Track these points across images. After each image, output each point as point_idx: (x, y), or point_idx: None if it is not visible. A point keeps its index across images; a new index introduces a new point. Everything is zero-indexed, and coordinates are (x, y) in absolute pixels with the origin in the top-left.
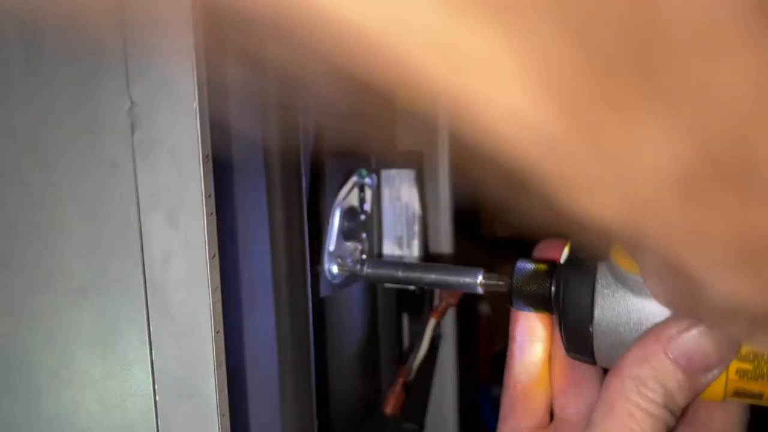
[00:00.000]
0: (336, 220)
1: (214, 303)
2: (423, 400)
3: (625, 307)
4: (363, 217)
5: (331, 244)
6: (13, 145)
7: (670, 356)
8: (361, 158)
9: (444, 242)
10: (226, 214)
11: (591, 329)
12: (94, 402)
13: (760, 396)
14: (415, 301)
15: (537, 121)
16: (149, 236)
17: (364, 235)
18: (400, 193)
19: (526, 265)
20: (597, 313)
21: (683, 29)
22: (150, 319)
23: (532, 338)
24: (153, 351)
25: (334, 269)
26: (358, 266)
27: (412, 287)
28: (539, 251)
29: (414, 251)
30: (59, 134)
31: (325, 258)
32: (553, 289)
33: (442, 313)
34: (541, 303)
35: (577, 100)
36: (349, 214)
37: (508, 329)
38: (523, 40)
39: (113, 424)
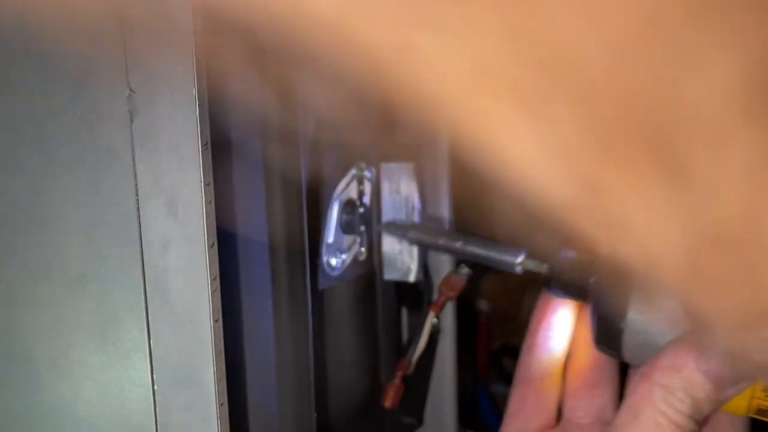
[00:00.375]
0: (335, 213)
1: (213, 292)
2: (422, 393)
3: (660, 308)
4: (362, 209)
5: (330, 236)
6: (11, 134)
7: (701, 367)
8: (360, 151)
9: None
10: (225, 204)
11: (623, 325)
12: (93, 391)
13: None
14: (414, 295)
15: (554, 186)
16: (148, 225)
17: (362, 228)
18: (400, 187)
19: (569, 254)
20: (631, 310)
21: (692, 114)
22: (149, 308)
23: (554, 336)
24: (152, 340)
25: (333, 261)
26: (401, 232)
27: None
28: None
29: (413, 245)
30: (58, 123)
31: (324, 250)
32: (591, 280)
33: (441, 307)
34: (577, 292)
35: (592, 174)
36: (348, 206)
37: (506, 326)
38: (545, 123)
39: (112, 414)
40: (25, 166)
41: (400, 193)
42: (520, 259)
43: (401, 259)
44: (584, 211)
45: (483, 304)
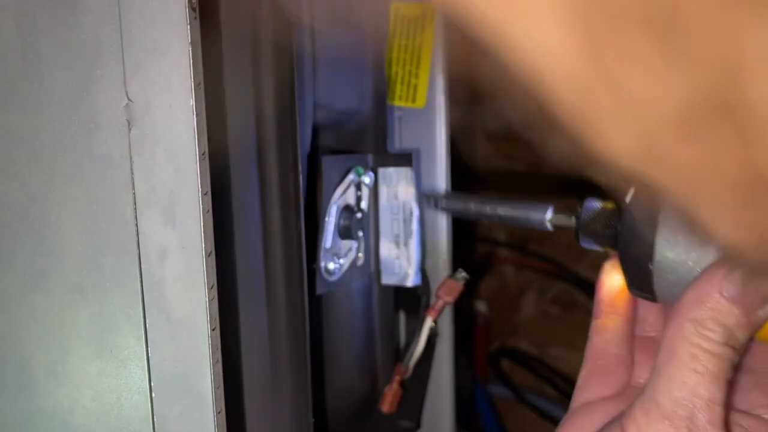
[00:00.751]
0: (332, 218)
1: (210, 300)
2: (419, 398)
3: (686, 246)
4: (359, 215)
5: (327, 241)
6: (9, 142)
7: (725, 294)
8: (359, 156)
9: (441, 241)
10: (222, 212)
11: (651, 267)
12: (90, 399)
13: None
14: (411, 300)
15: (561, 55)
16: (145, 233)
17: (360, 233)
18: (398, 192)
19: (593, 204)
20: (657, 251)
21: None
22: (146, 316)
23: (614, 316)
24: (149, 348)
25: (331, 266)
26: (434, 202)
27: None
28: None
29: (411, 250)
30: (55, 131)
31: (321, 255)
32: (618, 227)
33: (439, 312)
34: (606, 240)
35: (598, 41)
36: (346, 211)
37: (503, 328)
38: None
39: (109, 422)
40: (22, 174)
41: (397, 198)
42: (548, 215)
43: (398, 264)
44: (589, 85)
45: (481, 307)
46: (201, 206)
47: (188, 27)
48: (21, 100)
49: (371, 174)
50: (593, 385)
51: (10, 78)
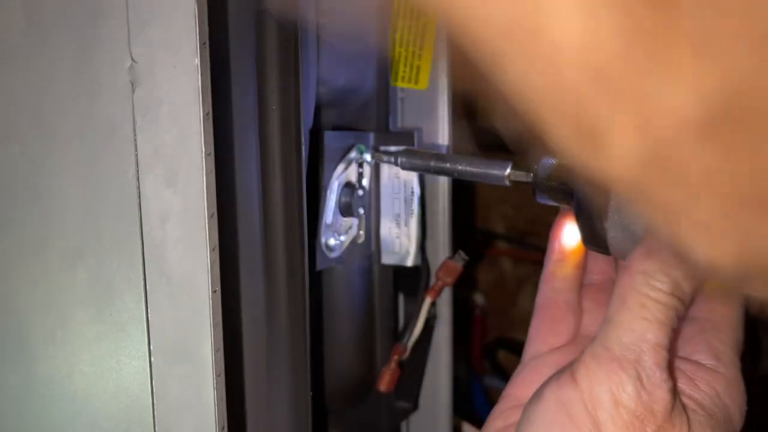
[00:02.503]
0: (334, 194)
1: (212, 262)
2: (417, 379)
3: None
4: (361, 192)
5: (328, 217)
6: (10, 105)
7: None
8: (361, 134)
9: (441, 223)
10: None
11: (605, 224)
12: (88, 364)
13: None
14: (411, 280)
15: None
16: (147, 196)
17: (361, 211)
18: (399, 171)
19: (549, 161)
20: (611, 207)
21: None
22: (146, 279)
23: (565, 264)
24: (149, 312)
25: (331, 242)
26: (394, 158)
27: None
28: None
29: (412, 229)
30: (58, 93)
31: (322, 231)
32: (573, 184)
33: (438, 293)
34: (562, 196)
35: (613, 34)
36: (347, 188)
37: (501, 321)
38: None
39: (107, 386)
40: (23, 136)
41: (399, 177)
42: (507, 171)
43: (399, 243)
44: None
45: (478, 298)
46: (204, 167)
47: None
48: (23, 62)
49: (372, 152)
50: (543, 334)
51: (12, 39)
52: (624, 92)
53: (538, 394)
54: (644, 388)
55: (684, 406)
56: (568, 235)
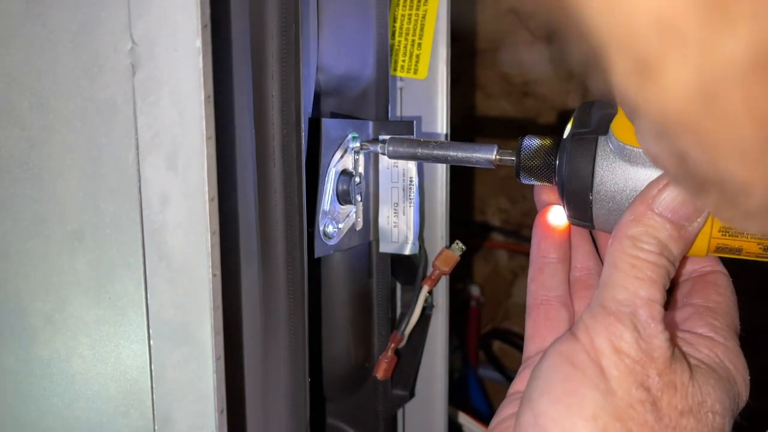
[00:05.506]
0: (331, 181)
1: (212, 246)
2: (414, 367)
3: (622, 176)
4: (358, 180)
5: (326, 203)
6: (10, 86)
7: (656, 211)
8: (359, 122)
9: (438, 213)
10: (224, 161)
11: (590, 197)
12: (87, 347)
13: (739, 251)
14: (408, 269)
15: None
16: (147, 179)
17: (359, 198)
18: (398, 160)
19: (532, 141)
20: (596, 182)
21: None
22: (146, 263)
23: (551, 258)
24: (148, 295)
25: (329, 229)
26: (380, 146)
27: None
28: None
29: (410, 218)
30: (58, 75)
31: (320, 218)
32: (556, 162)
33: (435, 282)
34: (545, 175)
35: None
36: (344, 176)
37: (496, 312)
38: None
39: (106, 370)
40: (23, 118)
41: (397, 166)
42: (494, 154)
43: (397, 231)
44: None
45: (474, 290)
46: (205, 150)
47: None
48: (23, 43)
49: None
50: (541, 333)
51: (12, 20)
52: (687, 37)
53: (542, 357)
54: (641, 337)
55: (684, 355)
56: (553, 227)
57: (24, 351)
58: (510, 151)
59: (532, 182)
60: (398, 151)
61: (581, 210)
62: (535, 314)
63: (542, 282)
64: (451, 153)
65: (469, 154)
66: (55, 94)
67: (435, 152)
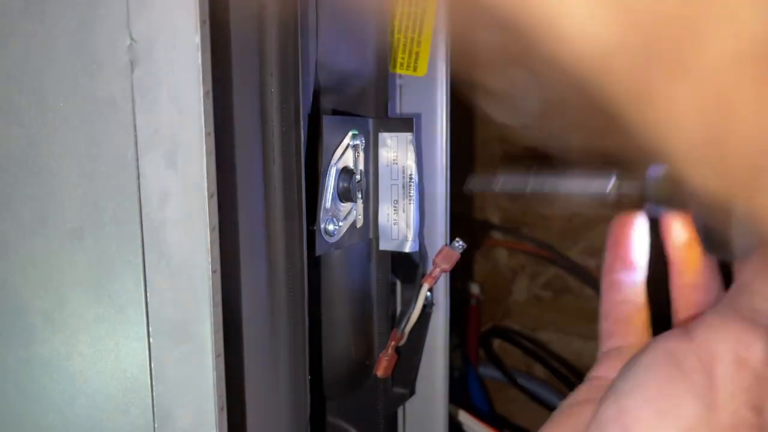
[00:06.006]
0: (332, 179)
1: (211, 242)
2: (414, 365)
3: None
4: (358, 177)
5: (327, 201)
6: (8, 83)
7: None
8: (359, 119)
9: (439, 207)
10: (223, 159)
11: (731, 230)
12: (87, 345)
13: None
14: (408, 267)
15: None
16: (146, 177)
17: (359, 196)
18: (397, 157)
19: (658, 169)
20: (736, 213)
21: None
22: (146, 261)
23: (631, 269)
24: (148, 293)
25: (330, 227)
26: (494, 185)
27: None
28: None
29: (410, 216)
30: (56, 72)
31: (321, 216)
32: (688, 189)
33: (435, 279)
34: (675, 204)
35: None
36: (345, 173)
37: (496, 310)
38: None
39: (106, 368)
40: (22, 116)
41: (397, 163)
42: (611, 184)
43: (397, 229)
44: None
45: (474, 288)
46: (204, 146)
47: None
48: (21, 41)
49: (364, 139)
50: (621, 333)
51: (10, 17)
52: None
53: (645, 347)
54: None
55: None
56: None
57: (23, 349)
58: (630, 182)
59: (658, 210)
60: (509, 186)
61: (719, 243)
62: (616, 316)
63: (622, 292)
64: (564, 184)
65: (582, 186)
66: (53, 92)
67: (546, 186)
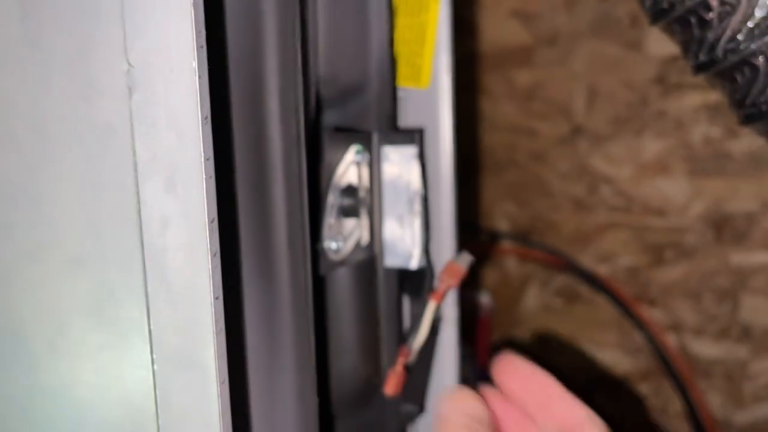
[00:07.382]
0: (335, 196)
1: (213, 268)
2: (423, 382)
3: None
4: (362, 193)
5: (330, 219)
6: (6, 110)
7: None
8: (363, 133)
9: (445, 221)
10: (224, 183)
11: None
12: (91, 373)
13: None
14: (415, 283)
15: None
16: (147, 202)
17: (363, 213)
18: (401, 171)
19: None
20: None
21: None
22: (148, 287)
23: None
24: (151, 320)
25: (334, 246)
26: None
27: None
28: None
29: (415, 231)
30: (54, 99)
31: (324, 234)
32: None
33: (443, 295)
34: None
35: None
36: (348, 190)
37: (506, 319)
38: None
39: (111, 395)
40: (20, 142)
41: (401, 177)
42: None
43: (402, 245)
44: None
45: (484, 298)
46: (204, 172)
47: None
48: (19, 67)
49: (367, 153)
50: None
51: (7, 43)
52: None
53: None
54: None
55: None
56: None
57: (27, 377)
58: None
59: None
60: None
61: None
62: None
63: None
64: None
65: None
66: (52, 118)
67: None
